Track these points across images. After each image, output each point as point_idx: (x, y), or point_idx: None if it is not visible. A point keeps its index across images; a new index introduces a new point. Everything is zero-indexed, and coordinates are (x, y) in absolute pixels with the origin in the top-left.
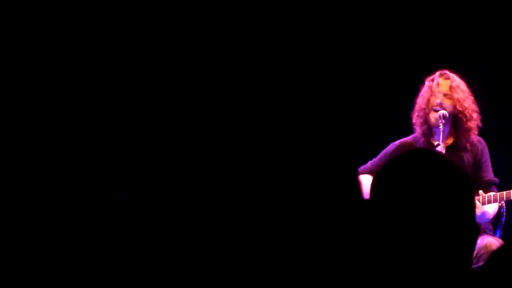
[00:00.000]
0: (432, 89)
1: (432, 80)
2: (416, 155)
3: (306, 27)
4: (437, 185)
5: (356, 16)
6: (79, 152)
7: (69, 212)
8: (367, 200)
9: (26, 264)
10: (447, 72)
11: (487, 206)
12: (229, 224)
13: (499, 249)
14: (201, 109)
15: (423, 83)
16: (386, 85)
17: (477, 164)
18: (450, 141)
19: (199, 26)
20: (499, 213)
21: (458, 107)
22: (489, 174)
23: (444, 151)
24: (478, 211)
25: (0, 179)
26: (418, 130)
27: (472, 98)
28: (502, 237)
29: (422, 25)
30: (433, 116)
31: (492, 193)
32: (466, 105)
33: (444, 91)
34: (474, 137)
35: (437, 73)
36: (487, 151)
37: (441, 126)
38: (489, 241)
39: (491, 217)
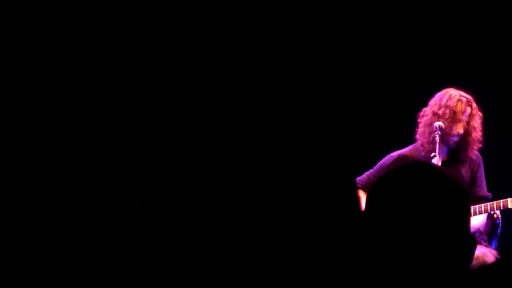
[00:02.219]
0: (457, 116)
1: (456, 106)
2: (411, 168)
3: (308, 34)
4: (432, 198)
5: (356, 28)
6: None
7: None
8: (363, 212)
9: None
10: (467, 96)
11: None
12: (231, 235)
13: (497, 262)
14: (203, 114)
15: (423, 95)
16: (382, 96)
17: (472, 179)
18: (449, 154)
19: (199, 26)
20: (494, 224)
21: (474, 136)
22: (482, 189)
23: (440, 163)
24: None
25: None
26: (425, 145)
27: (481, 119)
28: (497, 249)
29: (422, 37)
30: (452, 140)
31: (476, 206)
32: (479, 131)
33: (467, 120)
34: (473, 152)
35: (463, 98)
36: (482, 166)
37: (437, 138)
38: (482, 252)
39: (472, 230)
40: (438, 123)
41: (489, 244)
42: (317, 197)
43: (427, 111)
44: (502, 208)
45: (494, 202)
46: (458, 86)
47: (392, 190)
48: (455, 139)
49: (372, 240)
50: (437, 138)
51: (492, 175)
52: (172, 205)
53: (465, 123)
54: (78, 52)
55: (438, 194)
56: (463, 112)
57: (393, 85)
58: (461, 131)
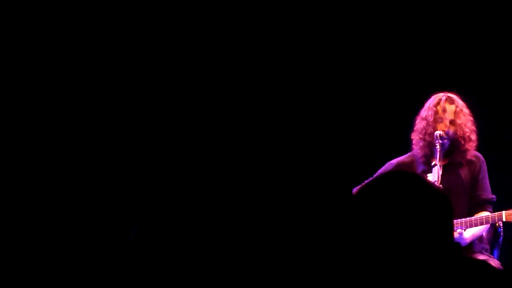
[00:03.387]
0: (439, 115)
1: (437, 105)
2: (392, 176)
3: (304, 43)
4: (412, 205)
5: (354, 37)
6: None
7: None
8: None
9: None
10: (451, 95)
11: (470, 231)
12: (237, 238)
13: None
14: (206, 118)
15: (422, 102)
16: (382, 103)
17: (474, 181)
18: (447, 160)
19: (199, 27)
20: (496, 233)
21: (459, 133)
22: (485, 192)
23: (441, 170)
24: (455, 234)
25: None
26: (419, 152)
27: (471, 119)
28: (499, 258)
29: (420, 43)
30: (438, 142)
31: (472, 218)
32: (466, 129)
33: (450, 118)
34: (471, 153)
35: (442, 97)
36: (485, 168)
37: (437, 146)
38: None
39: (468, 241)
40: (438, 132)
41: (491, 253)
42: (314, 203)
43: (418, 118)
44: (496, 221)
45: (490, 215)
46: (461, 93)
47: (373, 198)
48: (441, 134)
49: (356, 247)
50: (438, 147)
51: (495, 183)
52: (184, 213)
53: (448, 121)
54: (81, 54)
55: (416, 201)
56: (444, 110)
57: (394, 92)
58: (445, 129)
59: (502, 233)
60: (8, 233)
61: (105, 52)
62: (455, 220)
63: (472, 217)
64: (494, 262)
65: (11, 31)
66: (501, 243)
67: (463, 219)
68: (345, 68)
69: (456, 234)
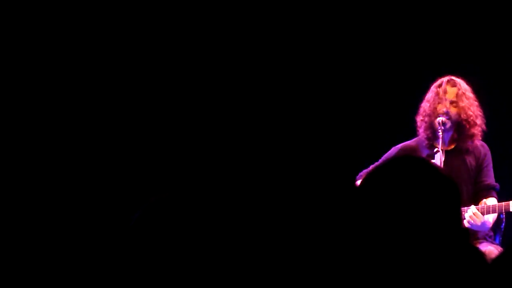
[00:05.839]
0: (440, 96)
1: (439, 86)
2: (400, 161)
3: (309, 29)
4: (420, 190)
5: (361, 20)
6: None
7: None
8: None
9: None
10: (454, 78)
11: (487, 216)
12: (235, 232)
13: (499, 256)
14: (207, 115)
15: (428, 86)
16: (389, 87)
17: (479, 168)
18: (452, 145)
19: (198, 26)
20: (498, 219)
21: (463, 116)
22: (490, 178)
23: (443, 157)
24: (478, 221)
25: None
26: (422, 134)
27: (477, 103)
28: (501, 244)
29: (428, 28)
30: (440, 121)
31: (491, 204)
32: (470, 112)
33: (451, 99)
34: (478, 141)
35: (445, 79)
36: (490, 156)
37: (440, 133)
38: (488, 249)
39: (490, 226)
40: (440, 119)
41: (493, 239)
42: (316, 196)
43: (423, 102)
44: (503, 211)
45: (497, 204)
46: (469, 80)
47: (382, 182)
48: (444, 120)
49: (364, 231)
50: (440, 133)
51: (500, 171)
52: (185, 201)
53: (448, 102)
54: (79, 52)
55: (427, 186)
56: (445, 92)
57: (400, 77)
58: (444, 109)
59: (504, 220)
60: (8, 230)
61: (105, 51)
62: (486, 205)
63: (479, 206)
64: (497, 248)
65: (11, 31)
66: (503, 229)
67: (469, 207)
68: (350, 54)
69: (482, 219)
